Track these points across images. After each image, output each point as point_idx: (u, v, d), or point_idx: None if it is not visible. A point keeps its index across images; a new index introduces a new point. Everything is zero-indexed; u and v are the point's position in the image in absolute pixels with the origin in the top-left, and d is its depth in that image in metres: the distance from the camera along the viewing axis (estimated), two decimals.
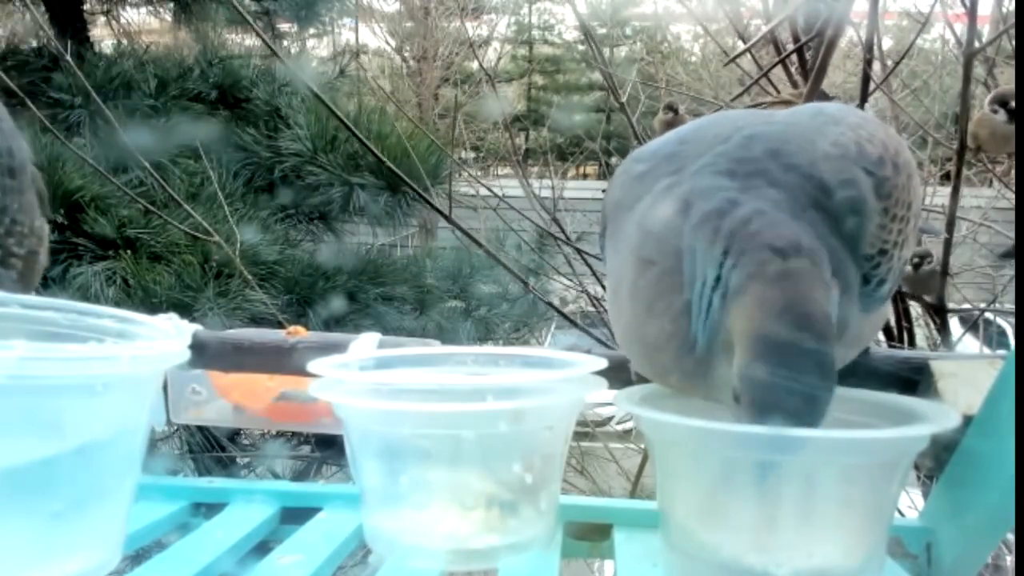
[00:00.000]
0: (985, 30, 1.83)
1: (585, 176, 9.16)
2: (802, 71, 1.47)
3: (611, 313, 0.55)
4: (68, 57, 1.78)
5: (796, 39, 1.38)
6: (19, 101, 1.54)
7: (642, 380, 0.59)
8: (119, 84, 2.43)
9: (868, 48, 1.29)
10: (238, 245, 1.85)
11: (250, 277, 1.82)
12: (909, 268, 1.63)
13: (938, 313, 1.37)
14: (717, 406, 0.50)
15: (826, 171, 0.49)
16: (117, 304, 0.56)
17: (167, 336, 0.53)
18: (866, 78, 1.30)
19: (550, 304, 1.85)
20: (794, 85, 1.57)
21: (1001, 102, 1.61)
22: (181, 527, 0.61)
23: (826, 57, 1.17)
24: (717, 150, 0.50)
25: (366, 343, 0.66)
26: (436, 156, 2.40)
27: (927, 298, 1.35)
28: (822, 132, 0.51)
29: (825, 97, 1.34)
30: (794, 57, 1.48)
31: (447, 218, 1.77)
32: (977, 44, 1.41)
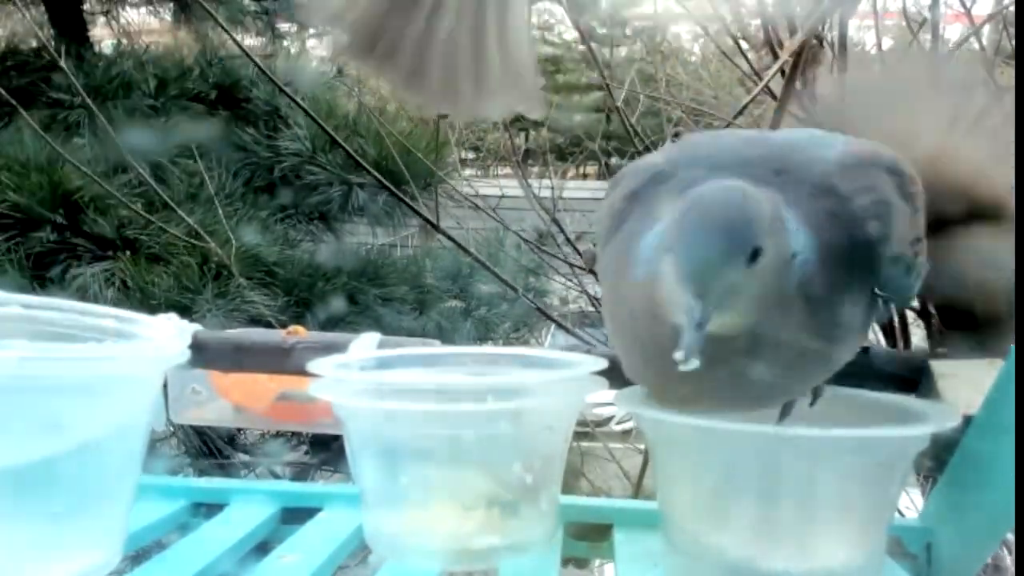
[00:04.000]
0: (985, 30, 1.83)
1: (585, 176, 9.13)
2: (802, 74, 1.46)
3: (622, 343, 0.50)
4: (62, 63, 1.78)
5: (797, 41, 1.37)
6: (19, 102, 1.54)
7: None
8: (119, 84, 2.43)
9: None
10: (233, 247, 1.85)
11: (245, 281, 1.81)
12: None
13: (924, 316, 1.35)
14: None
15: (840, 182, 0.46)
16: (116, 305, 0.56)
17: (167, 336, 0.53)
18: None
19: (540, 310, 1.84)
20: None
21: None
22: (181, 527, 0.61)
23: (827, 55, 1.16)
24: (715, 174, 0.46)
25: (366, 343, 0.66)
26: (435, 156, 2.40)
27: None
28: (826, 144, 0.49)
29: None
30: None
31: (435, 227, 1.77)
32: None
